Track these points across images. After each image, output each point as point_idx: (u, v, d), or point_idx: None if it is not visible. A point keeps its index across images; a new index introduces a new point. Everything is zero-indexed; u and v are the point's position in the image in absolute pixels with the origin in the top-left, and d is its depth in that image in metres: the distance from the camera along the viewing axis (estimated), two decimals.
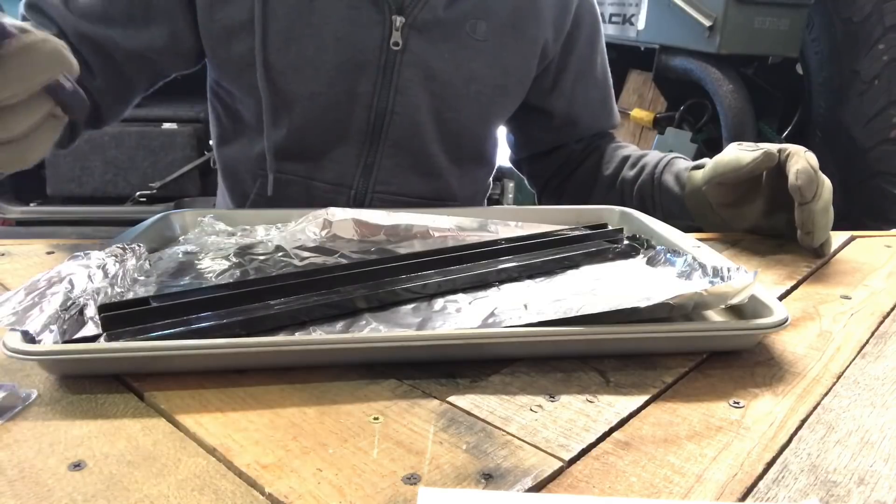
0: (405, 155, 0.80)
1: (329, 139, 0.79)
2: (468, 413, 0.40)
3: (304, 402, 0.41)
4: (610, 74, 0.95)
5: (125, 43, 0.73)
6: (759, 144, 0.68)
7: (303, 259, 0.61)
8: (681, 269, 0.56)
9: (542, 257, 0.60)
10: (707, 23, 2.00)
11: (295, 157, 0.79)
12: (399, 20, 0.74)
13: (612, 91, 0.96)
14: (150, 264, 0.58)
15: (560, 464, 0.36)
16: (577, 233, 0.66)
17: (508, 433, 0.38)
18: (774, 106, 2.25)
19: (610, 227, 0.68)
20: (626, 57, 2.47)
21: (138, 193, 2.62)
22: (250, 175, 0.82)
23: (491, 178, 0.96)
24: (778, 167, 0.67)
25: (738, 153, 0.68)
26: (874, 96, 1.91)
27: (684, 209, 0.79)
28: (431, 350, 0.44)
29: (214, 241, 0.64)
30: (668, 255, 0.59)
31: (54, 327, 0.43)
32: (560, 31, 0.85)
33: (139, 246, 0.58)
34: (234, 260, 0.60)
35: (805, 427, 0.40)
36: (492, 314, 0.49)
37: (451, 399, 0.41)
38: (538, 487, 0.34)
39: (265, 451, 0.36)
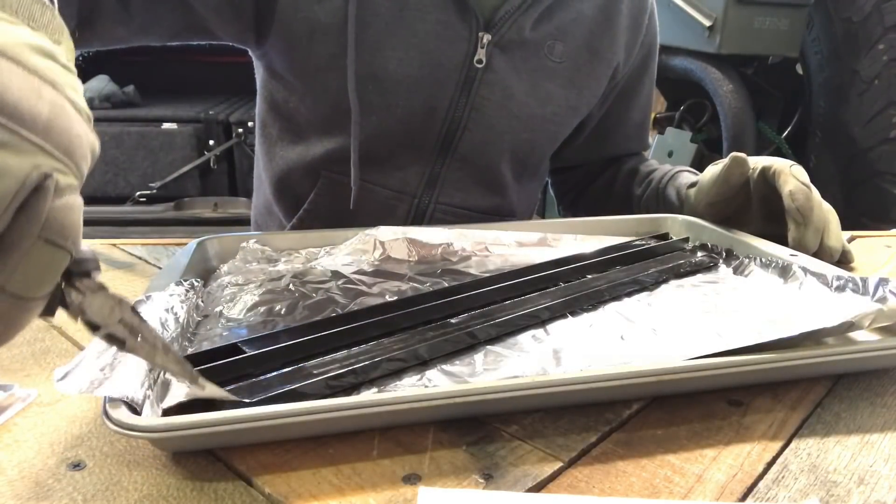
0: (471, 169, 0.80)
1: (398, 148, 0.78)
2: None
3: None
4: (653, 102, 0.95)
5: None
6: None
7: (370, 286, 0.57)
8: (825, 282, 0.54)
9: (633, 274, 0.58)
10: (707, 23, 2.00)
11: (363, 164, 0.78)
12: (486, 37, 0.74)
13: (650, 119, 0.95)
14: (202, 301, 0.53)
15: (560, 464, 0.36)
16: (652, 244, 0.66)
17: (508, 433, 0.38)
18: (774, 106, 2.25)
19: (673, 237, 0.68)
20: None
21: (138, 193, 2.62)
22: (308, 179, 0.80)
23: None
24: (765, 181, 0.67)
25: (712, 168, 0.71)
26: (874, 96, 1.91)
27: None
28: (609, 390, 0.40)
29: (259, 269, 0.59)
30: (770, 264, 0.58)
31: (150, 393, 0.38)
32: (630, 53, 0.86)
33: (197, 281, 0.54)
34: (295, 290, 0.55)
35: (805, 427, 0.40)
36: (622, 339, 0.47)
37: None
38: (538, 487, 0.34)
39: (265, 451, 0.36)
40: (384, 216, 0.79)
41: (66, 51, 0.30)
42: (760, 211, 0.70)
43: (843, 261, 0.67)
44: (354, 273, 0.59)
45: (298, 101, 0.78)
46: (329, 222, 0.79)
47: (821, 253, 0.64)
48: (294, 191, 0.82)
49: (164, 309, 0.46)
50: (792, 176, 0.64)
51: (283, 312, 0.52)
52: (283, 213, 0.84)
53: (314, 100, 0.77)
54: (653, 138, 2.33)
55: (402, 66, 0.73)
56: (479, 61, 0.75)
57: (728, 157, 0.68)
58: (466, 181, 0.81)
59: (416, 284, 0.58)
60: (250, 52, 0.82)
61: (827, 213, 0.65)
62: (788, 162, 0.66)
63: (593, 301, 0.54)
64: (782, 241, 0.64)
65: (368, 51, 0.73)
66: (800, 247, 0.63)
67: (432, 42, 0.74)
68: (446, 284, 0.56)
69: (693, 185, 0.77)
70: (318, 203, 0.80)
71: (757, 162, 0.67)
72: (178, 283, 0.51)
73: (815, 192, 0.65)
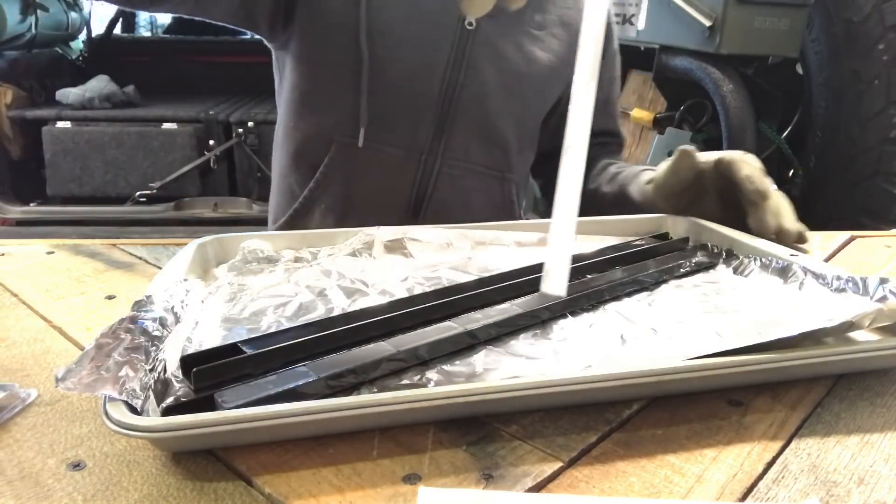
0: (472, 125, 0.88)
1: (404, 106, 0.85)
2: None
3: None
4: (618, 82, 1.02)
5: None
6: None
7: (370, 286, 0.56)
8: (825, 283, 0.54)
9: (633, 274, 0.58)
10: (707, 23, 2.00)
11: (371, 124, 0.85)
12: None
13: (616, 99, 1.02)
14: (202, 301, 0.52)
15: (560, 464, 0.36)
16: (652, 244, 0.65)
17: (508, 433, 0.38)
18: (774, 106, 2.24)
19: (673, 237, 0.68)
20: (626, 57, 2.46)
21: (138, 193, 2.62)
22: (324, 145, 0.86)
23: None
24: (718, 172, 0.69)
25: (663, 163, 0.75)
26: (874, 96, 1.91)
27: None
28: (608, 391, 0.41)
29: (259, 269, 0.59)
30: (770, 264, 0.58)
31: (150, 392, 0.38)
32: None
33: (199, 280, 0.54)
34: (295, 290, 0.55)
35: (805, 427, 0.40)
36: (622, 340, 0.47)
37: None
38: (538, 487, 0.34)
39: (265, 450, 0.36)
40: (394, 176, 0.86)
41: None
42: (719, 204, 0.72)
43: (800, 241, 0.68)
44: (354, 273, 0.59)
45: (321, 67, 0.86)
46: (342, 187, 0.86)
47: (781, 236, 0.67)
48: (309, 160, 0.88)
49: (164, 309, 0.46)
50: (745, 162, 0.68)
51: (283, 312, 0.52)
52: (297, 183, 0.90)
53: (330, 61, 0.84)
54: (653, 138, 2.33)
55: (405, 23, 0.83)
56: (471, 24, 0.84)
57: (676, 150, 0.72)
58: (469, 135, 0.89)
59: (416, 284, 0.58)
60: (274, 46, 0.91)
61: (780, 197, 0.69)
62: (741, 152, 0.70)
63: (593, 301, 0.54)
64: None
65: (376, 7, 0.82)
66: (759, 229, 0.66)
67: (430, 3, 0.84)
68: (446, 284, 0.56)
69: (650, 181, 0.79)
70: (331, 167, 0.87)
71: (710, 156, 0.71)
72: (178, 283, 0.51)
73: (768, 178, 0.68)
